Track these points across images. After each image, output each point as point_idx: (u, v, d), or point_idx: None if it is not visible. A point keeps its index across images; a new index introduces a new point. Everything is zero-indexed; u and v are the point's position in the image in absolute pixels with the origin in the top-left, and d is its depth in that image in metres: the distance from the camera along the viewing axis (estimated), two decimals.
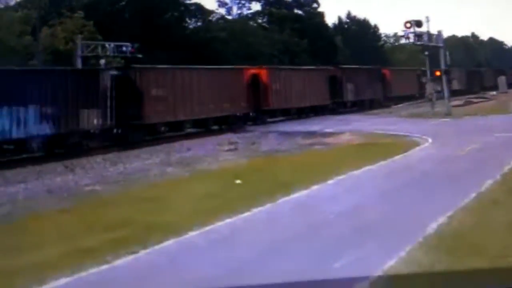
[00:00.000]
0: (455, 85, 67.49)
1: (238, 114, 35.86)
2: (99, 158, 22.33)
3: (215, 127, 33.80)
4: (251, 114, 37.51)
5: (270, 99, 38.66)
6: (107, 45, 36.66)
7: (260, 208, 12.44)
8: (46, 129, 23.15)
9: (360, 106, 50.51)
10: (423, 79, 50.64)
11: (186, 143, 27.47)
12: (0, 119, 21.39)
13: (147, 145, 26.47)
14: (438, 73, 42.39)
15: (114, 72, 28.29)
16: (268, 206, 12.69)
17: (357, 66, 53.79)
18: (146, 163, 21.31)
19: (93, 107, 25.50)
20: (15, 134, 22.02)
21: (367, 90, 51.21)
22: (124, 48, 37.14)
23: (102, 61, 35.78)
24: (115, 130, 27.38)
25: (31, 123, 22.40)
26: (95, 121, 25.66)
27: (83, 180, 17.71)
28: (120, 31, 44.77)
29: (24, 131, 22.28)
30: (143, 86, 28.81)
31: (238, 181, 15.95)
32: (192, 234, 10.57)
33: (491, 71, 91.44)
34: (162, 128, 30.45)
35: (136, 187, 16.39)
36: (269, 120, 39.03)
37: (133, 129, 28.07)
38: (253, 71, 38.74)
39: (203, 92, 32.30)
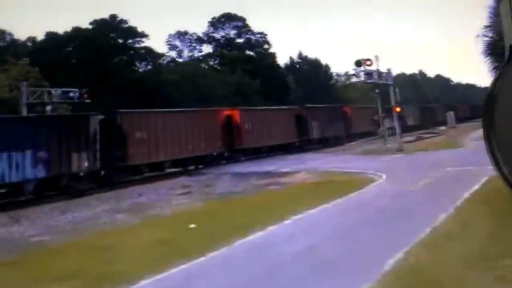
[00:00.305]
0: (410, 121, 69.50)
1: (214, 153, 37.50)
2: (46, 208, 21.80)
3: (183, 168, 34.94)
4: (225, 153, 39.10)
5: (243, 138, 40.42)
6: (53, 91, 36.08)
7: (215, 253, 12.16)
8: (40, 172, 24.99)
9: (325, 143, 52.28)
10: (375, 117, 51.56)
11: (140, 188, 27.11)
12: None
13: (94, 192, 26.14)
14: (398, 109, 43.09)
15: (101, 117, 29.53)
16: (223, 250, 12.42)
17: (321, 105, 55.94)
18: (95, 211, 20.79)
19: (83, 151, 27.50)
20: (14, 178, 23.79)
21: (331, 128, 53.65)
22: (71, 94, 36.66)
23: (48, 108, 35.20)
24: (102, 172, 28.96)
25: (28, 167, 24.35)
26: (85, 164, 27.47)
27: (30, 230, 17.10)
28: (67, 76, 44.37)
29: (21, 175, 24.07)
30: (127, 130, 30.63)
31: (192, 226, 15.64)
32: (144, 283, 10.21)
33: (441, 107, 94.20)
34: (145, 169, 32.24)
35: (86, 235, 15.88)
36: (242, 158, 40.74)
37: (118, 170, 29.97)
38: (227, 112, 40.53)
39: (182, 134, 34.59)
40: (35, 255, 13.54)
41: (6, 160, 23.41)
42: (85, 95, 37.55)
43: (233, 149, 39.80)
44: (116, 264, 11.79)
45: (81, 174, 27.26)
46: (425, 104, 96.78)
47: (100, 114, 29.72)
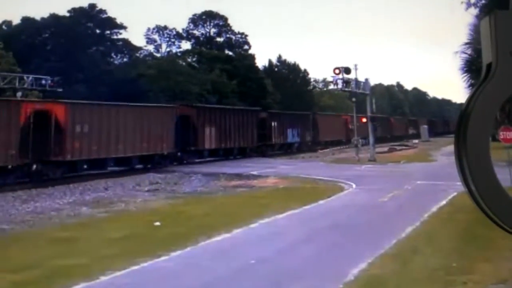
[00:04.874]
0: (382, 132, 70.53)
1: (165, 153, 35.67)
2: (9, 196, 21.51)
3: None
4: (178, 153, 37.52)
5: (200, 139, 39.29)
6: (25, 78, 35.54)
7: (179, 252, 11.99)
8: (297, 139, 54.42)
9: (288, 148, 52.72)
10: (350, 125, 52.21)
11: (105, 182, 26.78)
12: (291, 134, 52.74)
13: (60, 183, 25.60)
14: (364, 120, 43.40)
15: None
16: (188, 249, 12.26)
17: (285, 112, 56.84)
18: (60, 202, 20.48)
19: (308, 130, 56.51)
20: (294, 140, 54.10)
21: (298, 134, 54.63)
22: (43, 82, 36.19)
23: (19, 94, 34.69)
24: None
25: (294, 136, 53.76)
26: (308, 137, 56.43)
27: None
28: (41, 63, 43.69)
29: (293, 139, 53.59)
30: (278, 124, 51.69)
31: (157, 223, 15.42)
32: (104, 279, 9.98)
33: (409, 120, 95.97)
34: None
35: (45, 227, 15.59)
36: (197, 160, 39.60)
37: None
38: (183, 111, 38.81)
39: (315, 126, 58.26)
40: None
41: (290, 132, 52.38)
42: (52, 84, 37.03)
43: (187, 149, 38.98)
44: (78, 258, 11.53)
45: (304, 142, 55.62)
46: (400, 116, 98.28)
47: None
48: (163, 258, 11.51)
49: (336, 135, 61.60)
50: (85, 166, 29.48)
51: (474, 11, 24.45)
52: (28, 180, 25.98)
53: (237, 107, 49.81)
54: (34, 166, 26.69)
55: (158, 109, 36.76)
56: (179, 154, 37.56)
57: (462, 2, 24.06)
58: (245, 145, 45.00)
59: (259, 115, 48.32)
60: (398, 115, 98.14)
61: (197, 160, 39.18)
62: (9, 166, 25.11)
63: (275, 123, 49.98)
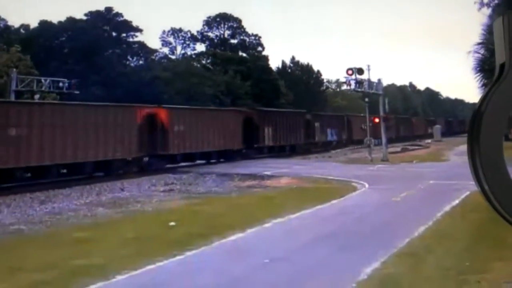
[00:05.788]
0: (405, 132, 70.83)
1: (235, 149, 41.50)
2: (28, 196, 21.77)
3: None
4: (244, 150, 42.92)
5: (261, 137, 45.52)
6: (43, 80, 35.95)
7: (194, 252, 12.12)
8: (335, 138, 59.31)
9: (328, 146, 57.53)
10: (362, 126, 52.31)
11: (121, 182, 26.97)
12: (330, 133, 58.40)
13: (77, 184, 25.86)
14: (376, 120, 43.34)
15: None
16: (203, 249, 12.39)
17: (325, 113, 62.93)
18: (77, 203, 20.71)
19: (343, 130, 61.79)
20: (332, 139, 58.99)
21: (336, 133, 60.97)
22: (61, 84, 36.57)
23: (37, 96, 35.10)
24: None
25: (333, 135, 58.86)
26: (335, 138, 60.18)
27: (7, 219, 17.01)
28: (58, 66, 44.05)
29: (332, 138, 58.14)
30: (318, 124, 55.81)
31: (172, 223, 15.59)
32: (120, 278, 10.15)
33: (428, 120, 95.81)
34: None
35: (62, 228, 15.81)
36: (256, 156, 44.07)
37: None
38: (247, 113, 44.64)
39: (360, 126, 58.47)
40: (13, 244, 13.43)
41: (330, 132, 57.81)
42: (74, 86, 37.46)
43: (252, 147, 44.69)
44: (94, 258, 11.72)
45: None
46: (413, 115, 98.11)
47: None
48: (178, 257, 11.64)
49: (366, 134, 62.07)
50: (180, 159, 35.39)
51: (487, 11, 24.38)
52: (140, 170, 31.23)
53: (288, 109, 55.68)
54: (145, 159, 32.55)
55: (230, 112, 43.85)
56: (244, 150, 42.69)
57: (475, 2, 24.04)
58: (294, 143, 50.73)
59: (305, 117, 53.61)
60: (411, 115, 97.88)
61: (258, 156, 44.28)
62: (129, 159, 31.12)
63: (318, 124, 55.88)
